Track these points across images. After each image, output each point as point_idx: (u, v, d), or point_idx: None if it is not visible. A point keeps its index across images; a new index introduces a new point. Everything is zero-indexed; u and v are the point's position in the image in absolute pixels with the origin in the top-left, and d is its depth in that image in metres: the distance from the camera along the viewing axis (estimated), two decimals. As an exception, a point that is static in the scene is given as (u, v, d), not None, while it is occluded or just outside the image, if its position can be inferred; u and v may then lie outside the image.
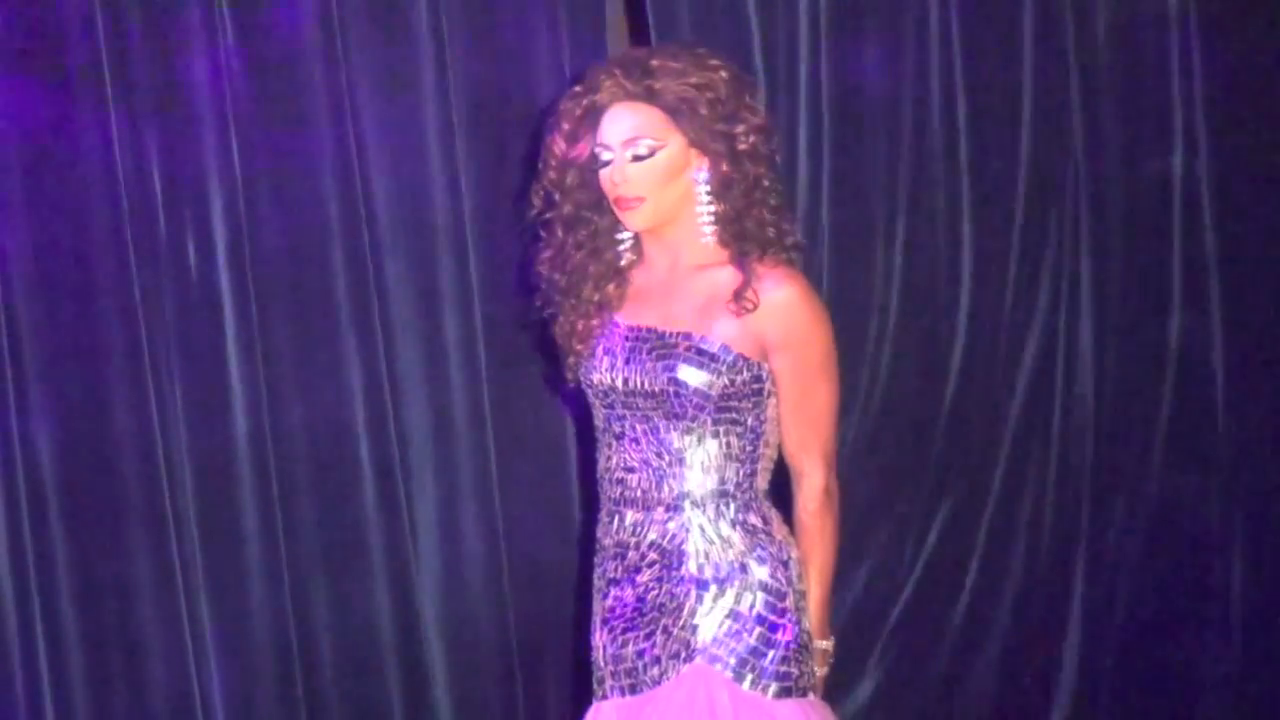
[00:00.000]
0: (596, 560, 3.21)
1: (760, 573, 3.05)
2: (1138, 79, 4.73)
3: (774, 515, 3.12)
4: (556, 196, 3.15)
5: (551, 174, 3.14)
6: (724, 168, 3.03)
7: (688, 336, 3.03)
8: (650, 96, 3.03)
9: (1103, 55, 4.69)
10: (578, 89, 3.12)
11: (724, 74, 3.05)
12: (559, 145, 3.12)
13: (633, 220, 3.07)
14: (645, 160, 3.02)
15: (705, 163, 3.04)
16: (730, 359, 3.00)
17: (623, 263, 3.19)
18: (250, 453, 4.29)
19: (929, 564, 4.74)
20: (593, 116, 3.08)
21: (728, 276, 3.03)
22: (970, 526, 4.76)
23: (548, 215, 3.18)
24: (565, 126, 3.11)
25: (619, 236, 3.18)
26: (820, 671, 3.16)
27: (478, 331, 4.37)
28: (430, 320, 4.36)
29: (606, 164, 3.06)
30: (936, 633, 4.76)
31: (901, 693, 4.72)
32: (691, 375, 3.00)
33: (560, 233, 3.18)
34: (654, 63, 3.05)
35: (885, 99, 4.56)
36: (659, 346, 3.05)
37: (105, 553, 4.22)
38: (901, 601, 4.72)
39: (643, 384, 3.04)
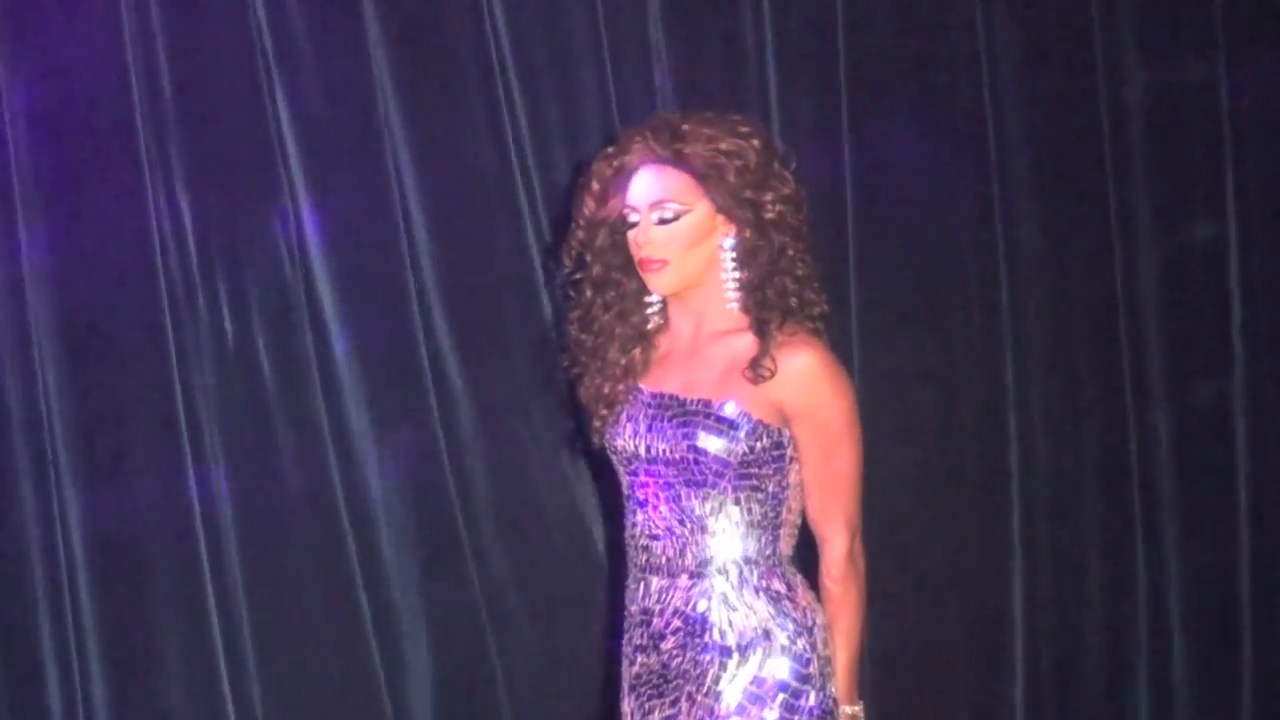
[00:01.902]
0: (625, 627, 3.21)
1: (784, 639, 3.04)
2: (1172, 149, 4.74)
3: (798, 581, 3.11)
4: (587, 257, 3.17)
5: (581, 234, 3.16)
6: (749, 235, 3.03)
7: (707, 404, 3.03)
8: (679, 160, 3.04)
9: (1134, 124, 4.71)
10: (610, 150, 3.14)
11: (755, 141, 3.06)
12: (589, 205, 3.13)
13: (656, 283, 3.08)
14: (670, 223, 3.03)
15: (732, 229, 3.05)
16: (750, 426, 3.00)
17: (649, 326, 3.19)
18: (307, 517, 4.32)
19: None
20: (623, 178, 3.09)
21: (749, 343, 3.03)
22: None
23: (577, 276, 3.20)
24: (595, 187, 3.13)
25: (647, 300, 3.18)
26: (848, 737, 3.14)
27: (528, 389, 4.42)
28: (486, 378, 4.41)
29: (633, 225, 3.07)
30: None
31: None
32: (711, 442, 3.00)
33: (589, 293, 3.20)
34: (685, 127, 3.06)
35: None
36: (680, 414, 3.05)
37: (140, 624, 4.24)
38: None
39: (664, 451, 3.05)
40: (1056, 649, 4.80)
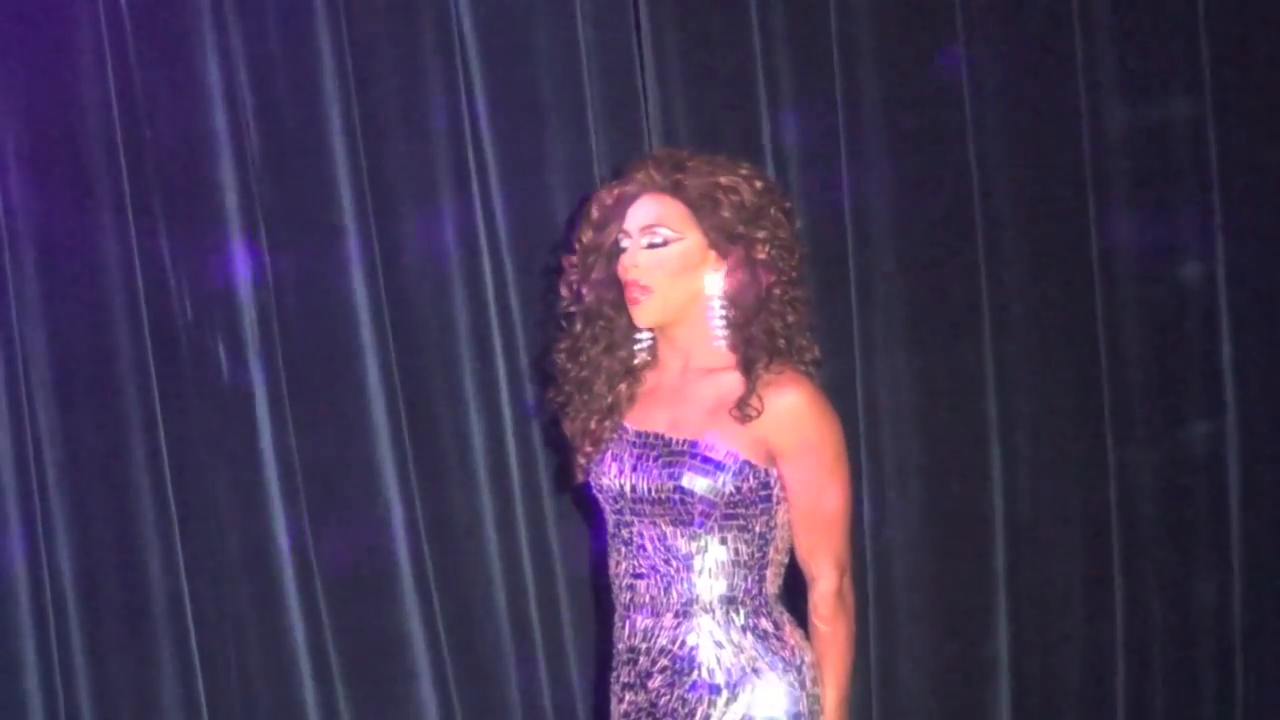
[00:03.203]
0: (612, 664, 3.20)
1: (772, 678, 3.03)
2: (1154, 181, 4.76)
3: (786, 620, 3.10)
4: (581, 287, 3.17)
5: (576, 260, 3.17)
6: (738, 273, 3.04)
7: (694, 444, 3.02)
8: (676, 189, 3.06)
9: (1118, 158, 4.73)
10: (614, 181, 3.17)
11: (757, 183, 3.07)
12: (586, 233, 3.15)
13: (640, 315, 3.08)
14: (659, 249, 3.04)
15: (722, 265, 3.05)
16: (736, 466, 3.00)
17: (636, 361, 3.19)
18: (292, 558, 4.32)
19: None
20: (622, 206, 3.11)
21: (736, 381, 3.02)
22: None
23: (571, 308, 3.20)
24: (594, 215, 3.14)
25: (636, 336, 3.18)
26: (842, 773, 3.13)
27: (507, 429, 4.40)
28: (461, 421, 4.39)
29: (625, 250, 3.09)
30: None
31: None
32: (697, 483, 2.99)
33: (580, 325, 3.19)
34: (687, 160, 3.10)
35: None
36: (665, 453, 3.05)
37: (128, 662, 4.23)
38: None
39: (649, 490, 3.04)
40: (1040, 691, 4.79)
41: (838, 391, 4.39)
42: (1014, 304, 4.71)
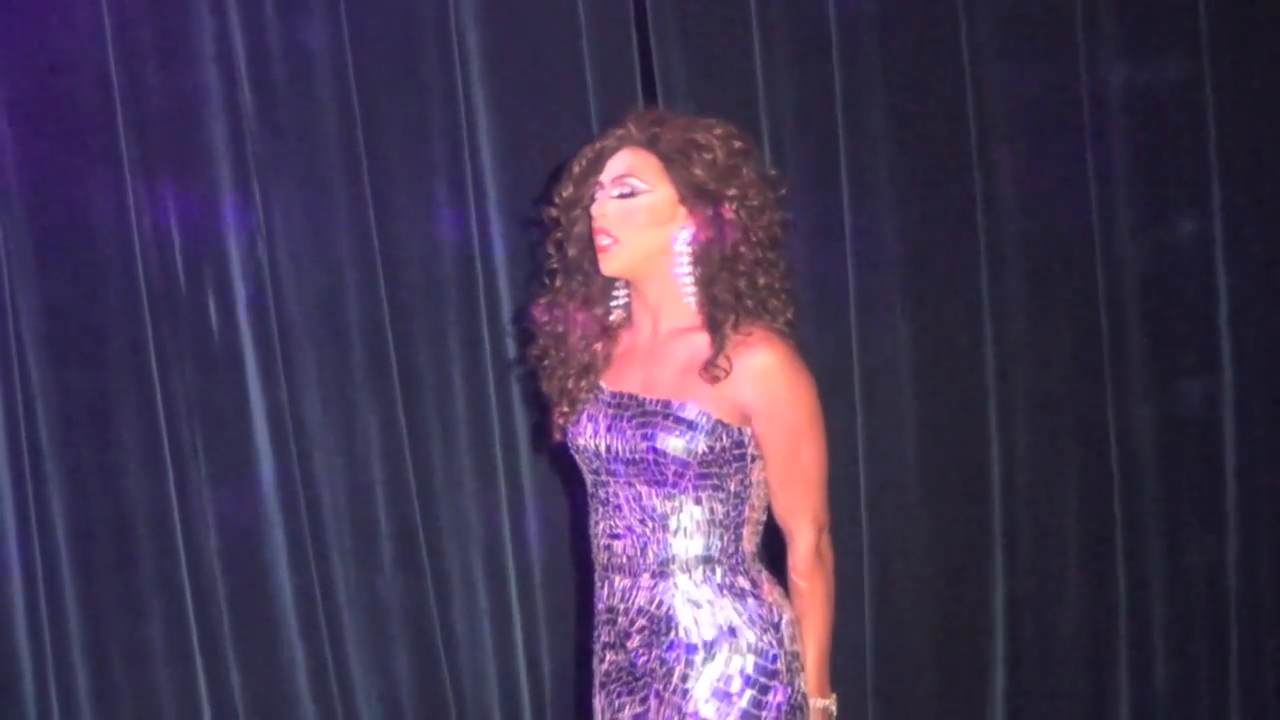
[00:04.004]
0: (594, 624, 3.22)
1: (749, 636, 3.05)
2: (1153, 144, 4.74)
3: (764, 578, 3.11)
4: (562, 240, 3.19)
5: (557, 214, 3.19)
6: (706, 231, 3.04)
7: (666, 404, 3.03)
8: (651, 143, 3.07)
9: (1116, 119, 4.71)
10: (597, 137, 3.18)
11: (734, 143, 3.08)
12: (567, 187, 3.16)
13: (606, 263, 3.08)
14: (628, 199, 3.05)
15: (691, 222, 3.06)
16: (709, 426, 3.00)
17: (612, 318, 3.21)
18: (280, 513, 4.34)
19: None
20: (601, 161, 3.12)
21: (707, 341, 3.03)
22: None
23: (555, 265, 3.22)
24: (575, 170, 3.16)
25: (613, 293, 3.20)
26: (821, 729, 3.15)
27: (490, 388, 4.42)
28: (447, 376, 4.41)
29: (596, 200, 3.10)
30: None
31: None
32: (670, 443, 3.00)
33: (560, 280, 3.22)
34: (665, 117, 3.12)
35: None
36: (639, 414, 3.05)
37: (120, 616, 4.27)
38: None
39: (624, 451, 3.05)
40: (1037, 646, 4.80)
41: (834, 349, 4.43)
42: (1012, 260, 4.69)
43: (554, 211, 3.19)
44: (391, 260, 4.36)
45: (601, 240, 3.07)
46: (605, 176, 3.09)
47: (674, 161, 3.05)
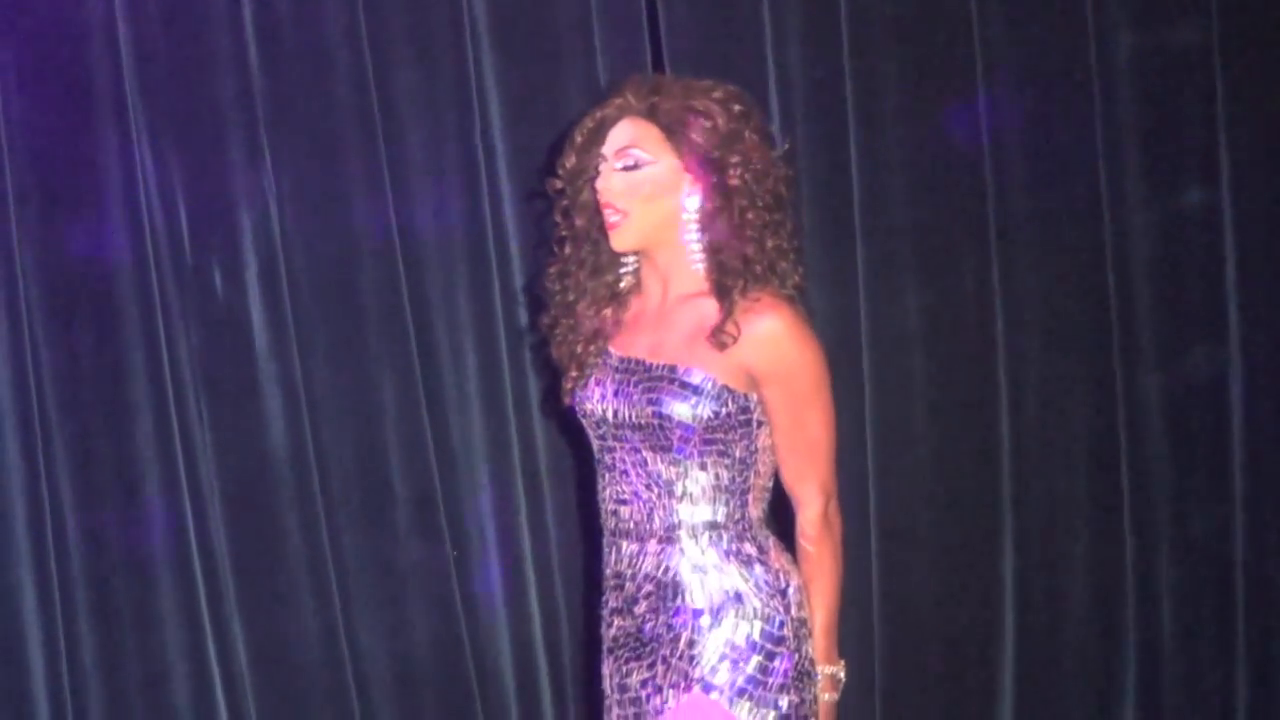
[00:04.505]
0: (601, 590, 3.22)
1: (756, 601, 3.05)
2: (1161, 112, 4.73)
3: (771, 544, 3.11)
4: (569, 209, 3.19)
5: (563, 186, 3.18)
6: (711, 197, 3.04)
7: (673, 369, 3.03)
8: (651, 113, 3.06)
9: (1125, 87, 4.70)
10: (595, 106, 3.17)
11: (734, 106, 3.06)
12: (570, 159, 3.16)
13: (615, 238, 3.09)
14: (632, 172, 3.05)
15: (698, 189, 3.05)
16: (715, 391, 3.00)
17: (621, 285, 3.21)
18: (291, 478, 4.33)
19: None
20: (602, 131, 3.12)
21: (715, 307, 3.03)
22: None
23: (564, 233, 3.22)
24: (578, 140, 3.15)
25: (622, 260, 3.20)
26: (828, 697, 3.14)
27: (502, 353, 4.41)
28: (460, 343, 4.41)
29: (600, 174, 3.10)
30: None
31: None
32: (676, 408, 3.00)
33: (568, 248, 3.22)
34: (665, 84, 3.10)
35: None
36: (645, 379, 3.05)
37: (127, 582, 4.27)
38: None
39: (630, 416, 3.06)
40: (1046, 615, 4.80)
41: (841, 317, 4.42)
42: (1020, 229, 4.69)
43: (559, 183, 3.19)
44: (403, 226, 4.34)
45: (610, 216, 3.07)
46: (608, 149, 3.09)
47: (675, 131, 3.04)
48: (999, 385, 4.72)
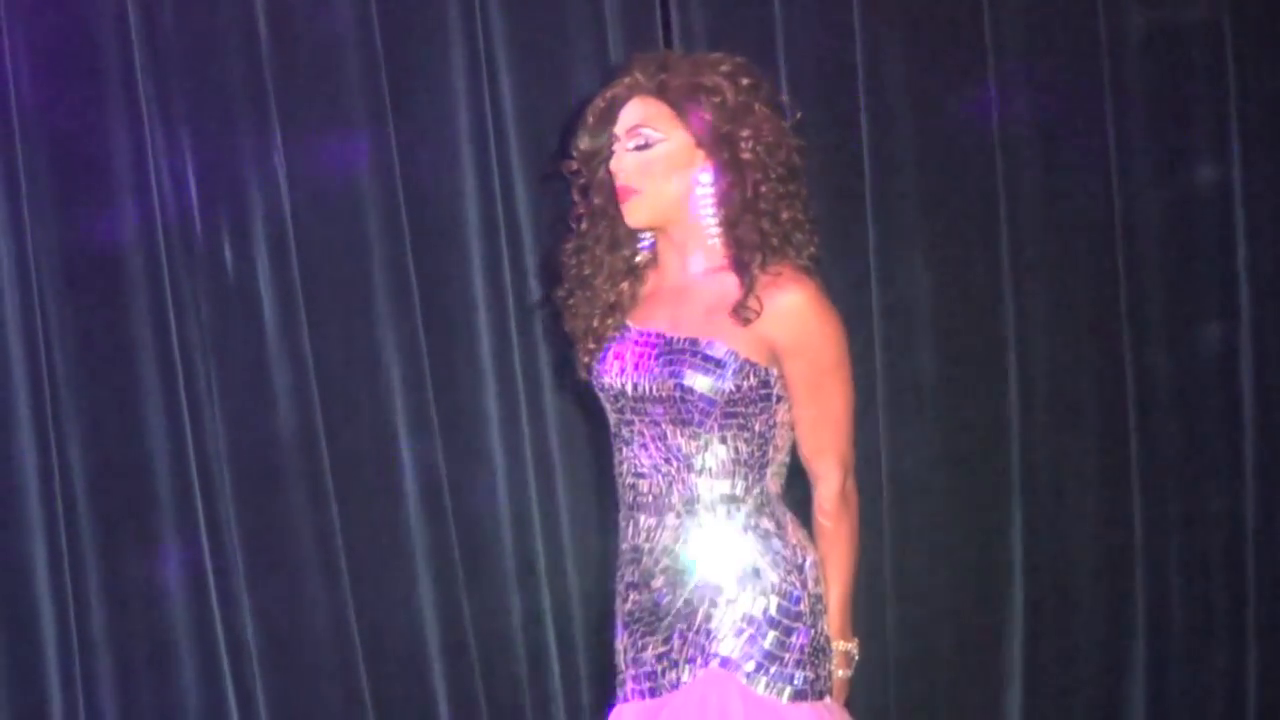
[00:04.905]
0: (618, 563, 3.22)
1: (773, 576, 3.05)
2: (1171, 89, 4.72)
3: (788, 519, 3.11)
4: (586, 188, 3.20)
5: (577, 167, 3.19)
6: (724, 172, 3.04)
7: (694, 342, 3.03)
8: (660, 91, 3.07)
9: (1135, 64, 4.69)
10: (605, 86, 3.17)
11: (744, 80, 3.06)
12: (583, 139, 3.18)
13: (630, 215, 3.09)
14: (645, 151, 3.05)
15: (711, 164, 3.05)
16: (737, 365, 3.00)
17: (639, 260, 3.21)
18: (297, 454, 4.33)
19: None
20: (613, 110, 3.12)
21: (735, 281, 3.03)
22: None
23: (581, 211, 3.22)
24: (589, 120, 3.17)
25: (641, 235, 3.20)
26: (842, 674, 3.15)
27: (512, 330, 4.40)
28: (471, 317, 4.40)
29: (613, 154, 3.11)
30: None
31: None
32: (698, 381, 3.00)
33: (586, 225, 3.22)
34: (672, 61, 3.11)
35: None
36: (666, 352, 3.05)
37: (137, 557, 4.27)
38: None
39: (650, 389, 3.05)
40: (1054, 587, 4.80)
41: (852, 295, 4.41)
42: (1029, 203, 4.67)
43: (574, 165, 3.20)
44: (412, 203, 4.32)
45: (624, 195, 3.08)
46: (619, 128, 3.09)
47: (685, 109, 3.04)
48: (1008, 362, 4.70)
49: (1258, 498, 4.85)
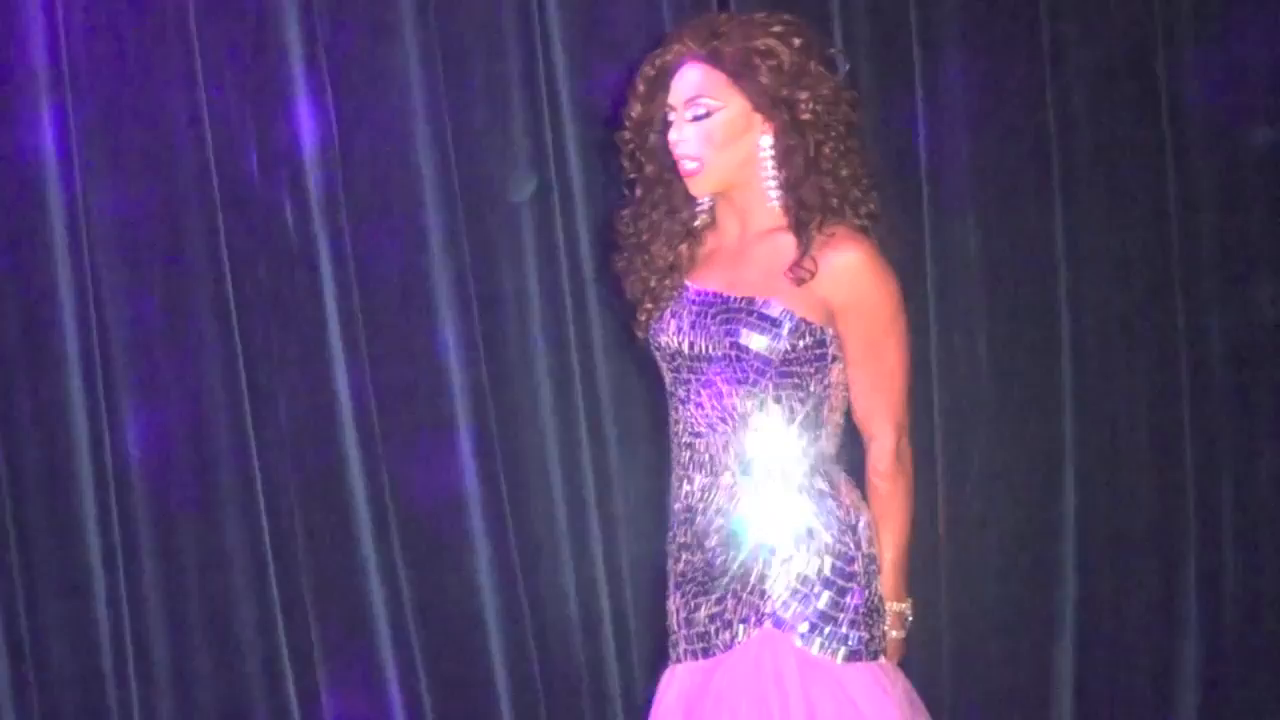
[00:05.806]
0: (671, 523, 3.22)
1: (827, 537, 3.05)
2: (1227, 48, 4.68)
3: (842, 479, 3.12)
4: (640, 156, 3.18)
5: (629, 135, 3.18)
6: (785, 135, 3.02)
7: (750, 301, 3.03)
8: (714, 58, 3.04)
9: (1190, 24, 4.66)
10: (654, 52, 3.15)
11: (796, 40, 3.04)
12: (634, 107, 3.16)
13: (694, 186, 3.09)
14: (704, 121, 3.03)
15: (770, 128, 3.04)
16: (793, 324, 3.00)
17: (697, 223, 3.20)
18: (353, 411, 4.34)
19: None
20: (664, 77, 3.10)
21: (792, 242, 3.02)
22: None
23: (633, 175, 3.21)
24: (640, 88, 3.14)
25: (698, 199, 3.19)
26: (896, 634, 3.15)
27: (566, 293, 4.41)
28: (523, 285, 4.41)
29: (671, 124, 3.08)
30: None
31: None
32: (753, 340, 3.00)
33: (641, 191, 3.21)
34: (722, 25, 3.08)
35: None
36: (723, 311, 3.05)
37: (193, 520, 4.30)
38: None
39: (707, 348, 3.05)
40: (1107, 555, 4.78)
41: (905, 266, 4.39)
42: (1084, 167, 4.65)
43: (626, 134, 3.18)
44: (466, 164, 4.33)
45: (686, 165, 3.07)
46: (674, 99, 3.07)
47: (742, 74, 3.02)
48: (1061, 324, 4.69)
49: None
